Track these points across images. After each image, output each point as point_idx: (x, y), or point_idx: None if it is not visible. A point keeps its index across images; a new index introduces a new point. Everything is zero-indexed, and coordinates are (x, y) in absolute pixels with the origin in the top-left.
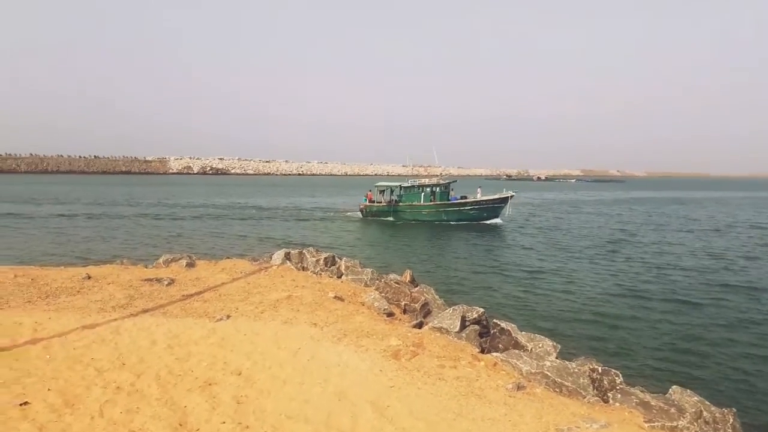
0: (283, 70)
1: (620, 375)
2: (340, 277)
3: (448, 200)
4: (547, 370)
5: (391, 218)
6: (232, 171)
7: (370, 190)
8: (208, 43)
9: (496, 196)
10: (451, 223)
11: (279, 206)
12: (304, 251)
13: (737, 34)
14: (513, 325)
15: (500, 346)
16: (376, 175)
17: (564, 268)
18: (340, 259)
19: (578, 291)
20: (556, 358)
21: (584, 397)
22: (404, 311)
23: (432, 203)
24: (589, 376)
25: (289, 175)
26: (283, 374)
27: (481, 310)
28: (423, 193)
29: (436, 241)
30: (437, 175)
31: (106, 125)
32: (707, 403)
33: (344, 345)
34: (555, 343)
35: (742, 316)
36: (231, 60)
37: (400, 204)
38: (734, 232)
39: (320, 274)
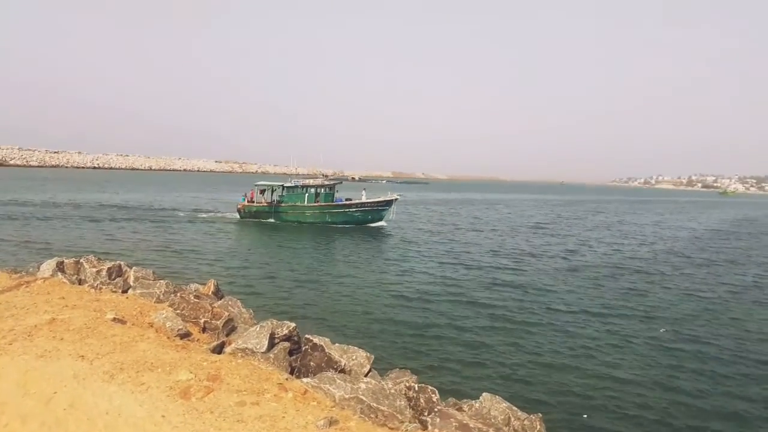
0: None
1: (437, 392)
2: (126, 291)
3: (333, 202)
4: (363, 394)
5: (272, 219)
6: (11, 162)
7: (252, 189)
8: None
9: (381, 199)
10: (336, 225)
11: (127, 205)
12: (81, 260)
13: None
14: (326, 339)
15: (312, 364)
16: (184, 170)
17: (379, 271)
18: (129, 269)
19: (392, 296)
20: (370, 370)
21: (402, 423)
22: (203, 330)
23: (316, 204)
24: (405, 395)
25: (83, 168)
26: None
27: (293, 325)
28: (307, 194)
29: (296, 245)
30: (323, 176)
31: None
32: (515, 408)
33: (119, 384)
34: (368, 354)
35: (542, 317)
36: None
37: (282, 204)
38: (521, 231)
39: (100, 288)
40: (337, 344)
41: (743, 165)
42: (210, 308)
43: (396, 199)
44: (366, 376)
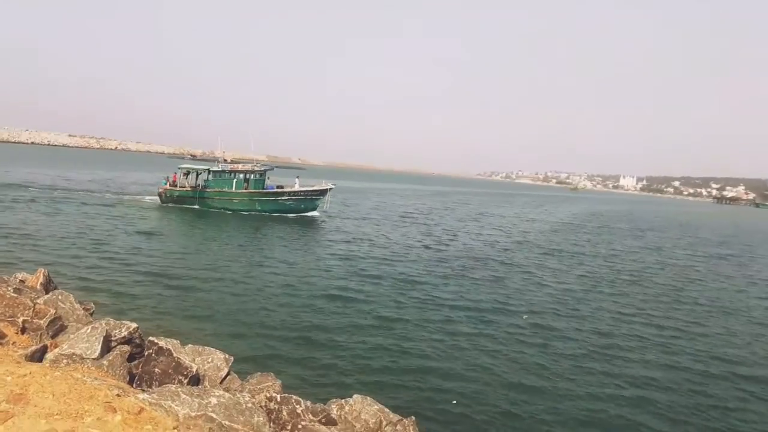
0: None
1: (301, 402)
2: None
3: (264, 189)
4: (213, 411)
5: (196, 206)
6: None
7: (175, 172)
8: None
9: (315, 188)
10: (266, 214)
11: None
12: None
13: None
14: (174, 342)
15: (156, 370)
16: (32, 143)
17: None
18: None
19: (268, 292)
20: (228, 374)
21: None
22: (22, 330)
23: (245, 191)
24: (265, 407)
25: None
26: None
27: (133, 325)
28: (235, 180)
29: (199, 235)
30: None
31: None
32: (386, 410)
33: None
34: (227, 356)
35: (411, 310)
36: None
37: (208, 190)
38: (390, 221)
39: None
40: (189, 345)
41: (591, 165)
42: (32, 304)
43: (330, 189)
44: (223, 380)
